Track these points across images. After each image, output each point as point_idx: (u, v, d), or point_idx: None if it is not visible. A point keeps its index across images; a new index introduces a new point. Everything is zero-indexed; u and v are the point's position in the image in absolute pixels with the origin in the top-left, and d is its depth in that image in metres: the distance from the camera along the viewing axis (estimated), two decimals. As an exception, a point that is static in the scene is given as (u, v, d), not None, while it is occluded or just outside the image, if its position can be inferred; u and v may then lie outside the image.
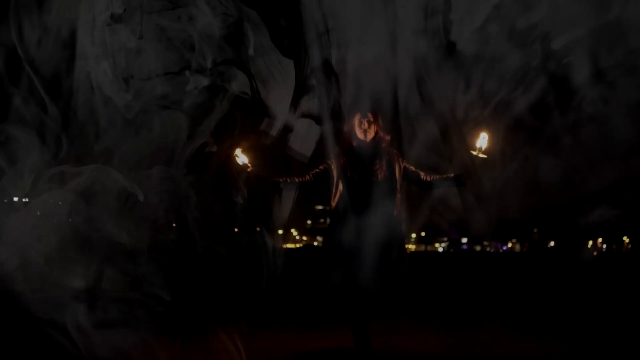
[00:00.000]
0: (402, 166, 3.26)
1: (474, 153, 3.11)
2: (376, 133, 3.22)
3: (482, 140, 3.10)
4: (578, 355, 3.36)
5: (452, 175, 3.24)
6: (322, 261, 3.26)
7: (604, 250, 41.35)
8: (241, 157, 3.25)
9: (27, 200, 3.46)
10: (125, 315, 3.42)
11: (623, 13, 3.50)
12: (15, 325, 3.15)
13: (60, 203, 3.37)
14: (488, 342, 3.68)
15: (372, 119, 3.20)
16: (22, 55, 3.47)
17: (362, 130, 3.21)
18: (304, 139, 3.53)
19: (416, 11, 3.36)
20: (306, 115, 3.39)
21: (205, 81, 3.64)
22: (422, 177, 3.28)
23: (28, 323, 3.11)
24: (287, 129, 3.49)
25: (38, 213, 3.33)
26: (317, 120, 3.43)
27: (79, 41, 3.52)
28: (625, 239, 40.22)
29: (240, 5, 3.60)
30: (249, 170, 3.25)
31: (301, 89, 3.40)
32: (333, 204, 3.23)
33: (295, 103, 3.39)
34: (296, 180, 3.29)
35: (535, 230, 51.03)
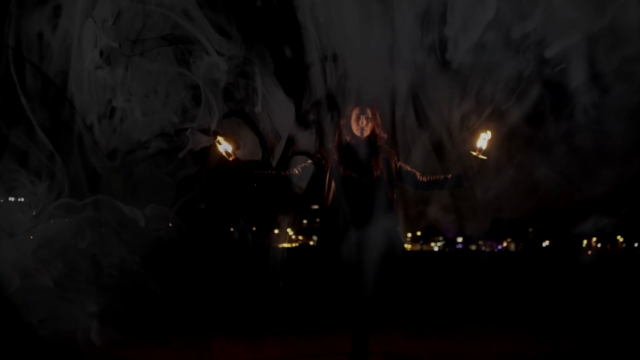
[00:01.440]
0: (397, 165, 3.17)
1: (474, 154, 3.05)
2: (373, 130, 3.13)
3: (483, 141, 3.06)
4: (568, 356, 3.36)
5: (450, 176, 3.15)
6: (320, 272, 3.18)
7: (598, 248, 41.58)
8: (224, 145, 3.06)
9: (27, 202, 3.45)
10: (136, 336, 3.45)
11: (618, 19, 3.49)
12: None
13: (65, 228, 3.32)
14: (481, 345, 3.67)
15: (370, 116, 3.11)
16: (25, 105, 3.39)
17: (359, 127, 3.11)
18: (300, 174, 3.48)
19: (413, 26, 3.31)
20: (303, 153, 3.29)
21: (206, 141, 3.43)
22: (419, 177, 3.17)
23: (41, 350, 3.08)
24: (283, 163, 3.39)
25: (41, 237, 3.28)
26: (310, 158, 3.34)
27: (69, 89, 3.44)
28: (620, 238, 40.45)
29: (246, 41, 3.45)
30: (231, 159, 3.06)
31: (300, 125, 3.29)
32: (327, 202, 3.10)
33: (292, 140, 3.27)
34: (282, 173, 3.15)
35: (531, 229, 51.24)
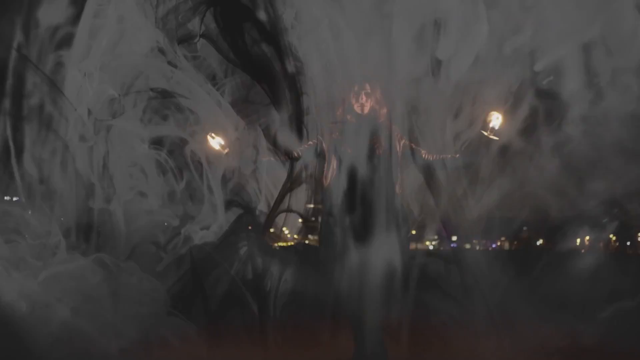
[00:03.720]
0: (402, 143, 3.07)
1: (486, 134, 2.99)
2: (373, 106, 3.01)
3: (495, 121, 2.99)
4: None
5: (457, 156, 3.09)
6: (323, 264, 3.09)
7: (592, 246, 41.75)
8: (216, 139, 3.01)
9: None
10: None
11: (609, 30, 3.49)
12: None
13: (73, 267, 3.27)
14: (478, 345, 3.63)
15: (369, 90, 3.00)
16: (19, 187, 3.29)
17: (359, 104, 3.00)
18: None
19: (410, 50, 3.26)
20: (292, 211, 3.25)
21: (199, 238, 3.32)
22: (424, 156, 3.09)
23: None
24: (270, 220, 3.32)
25: (49, 272, 3.24)
26: (301, 216, 3.29)
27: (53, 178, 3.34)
28: (612, 237, 40.75)
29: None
30: (225, 153, 3.02)
31: (290, 186, 3.19)
32: (325, 182, 3.00)
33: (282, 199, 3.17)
34: (282, 158, 3.07)
35: (525, 228, 51.45)
